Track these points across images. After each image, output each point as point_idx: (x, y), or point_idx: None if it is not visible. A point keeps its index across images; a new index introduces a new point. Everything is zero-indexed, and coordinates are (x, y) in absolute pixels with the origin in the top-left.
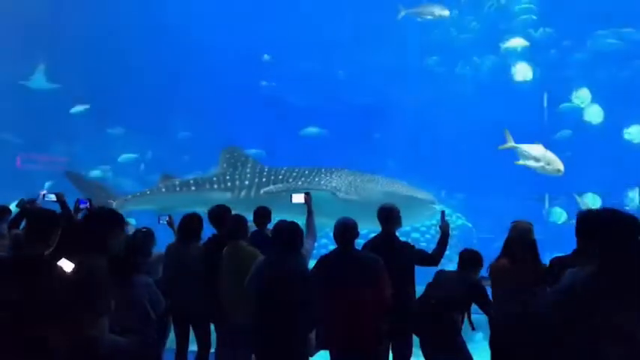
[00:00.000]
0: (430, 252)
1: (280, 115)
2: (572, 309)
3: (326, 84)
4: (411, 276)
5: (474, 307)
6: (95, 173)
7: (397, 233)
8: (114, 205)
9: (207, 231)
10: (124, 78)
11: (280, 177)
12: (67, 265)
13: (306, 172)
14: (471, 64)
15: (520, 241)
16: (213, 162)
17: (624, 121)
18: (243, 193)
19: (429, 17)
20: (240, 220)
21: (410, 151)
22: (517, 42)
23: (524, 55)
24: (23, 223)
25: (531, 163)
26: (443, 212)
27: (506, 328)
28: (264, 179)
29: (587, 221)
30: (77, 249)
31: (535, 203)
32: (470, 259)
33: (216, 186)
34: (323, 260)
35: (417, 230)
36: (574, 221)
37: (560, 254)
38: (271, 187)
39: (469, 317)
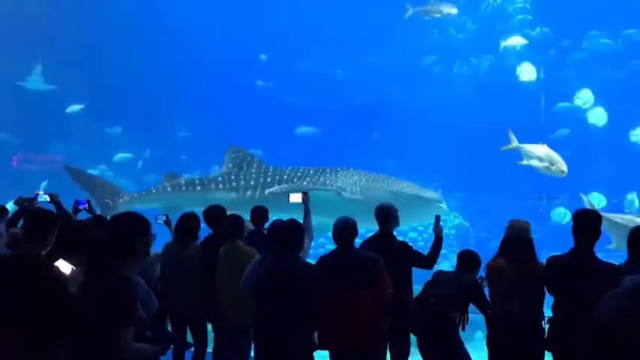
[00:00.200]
0: (425, 255)
1: (278, 115)
2: None
3: (324, 84)
4: (408, 276)
5: (471, 307)
6: (93, 173)
7: (394, 232)
8: (120, 202)
9: (204, 231)
10: (121, 77)
11: (285, 177)
12: (64, 267)
13: (311, 171)
14: (468, 64)
15: (517, 241)
16: (210, 161)
17: (624, 121)
18: (248, 194)
19: (437, 15)
20: (237, 220)
21: (408, 150)
22: (516, 40)
23: (522, 55)
24: (21, 222)
25: (535, 163)
26: (438, 217)
27: (506, 328)
28: (269, 179)
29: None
30: (76, 249)
31: (533, 202)
32: (468, 260)
33: (221, 186)
34: (323, 260)
35: (414, 229)
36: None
37: (556, 253)
38: (276, 187)
39: (466, 317)
